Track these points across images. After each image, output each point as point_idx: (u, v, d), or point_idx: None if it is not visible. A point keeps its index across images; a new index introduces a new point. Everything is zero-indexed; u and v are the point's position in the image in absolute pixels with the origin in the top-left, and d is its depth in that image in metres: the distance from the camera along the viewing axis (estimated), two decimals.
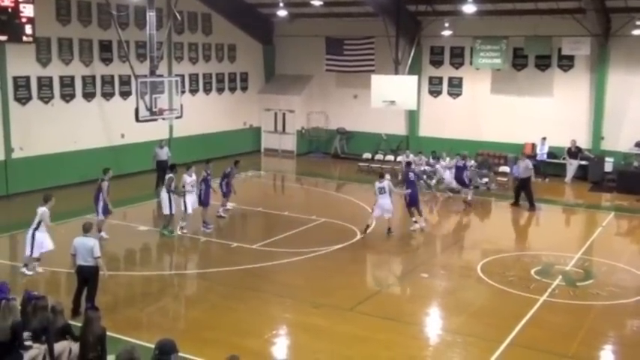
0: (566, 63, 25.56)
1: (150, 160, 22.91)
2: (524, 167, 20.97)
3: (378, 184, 17.48)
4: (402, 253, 16.71)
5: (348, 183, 21.66)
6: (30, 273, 13.96)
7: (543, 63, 25.90)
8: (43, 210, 13.97)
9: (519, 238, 18.86)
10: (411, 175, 18.52)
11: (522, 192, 20.95)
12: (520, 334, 11.43)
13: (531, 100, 26.11)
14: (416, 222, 18.12)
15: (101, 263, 11.75)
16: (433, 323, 12.42)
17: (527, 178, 20.95)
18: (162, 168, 21.50)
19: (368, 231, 17.43)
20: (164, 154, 22.79)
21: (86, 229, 11.89)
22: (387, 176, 18.00)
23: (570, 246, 16.97)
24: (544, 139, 25.34)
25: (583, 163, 24.81)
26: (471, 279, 14.51)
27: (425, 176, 24.40)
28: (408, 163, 20.23)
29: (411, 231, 17.97)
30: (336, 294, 13.30)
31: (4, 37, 19.58)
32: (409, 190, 18.11)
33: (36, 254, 13.92)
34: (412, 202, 18.18)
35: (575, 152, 24.80)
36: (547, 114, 25.67)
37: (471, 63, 26.93)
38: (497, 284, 13.89)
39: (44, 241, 13.88)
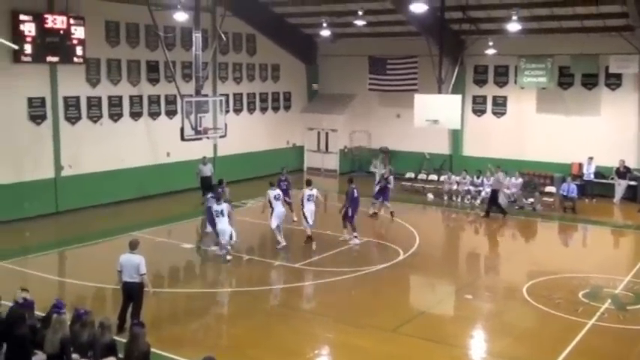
0: (614, 81, 25.11)
1: (194, 177, 23.24)
2: (495, 180, 22.25)
3: (308, 192, 17.82)
4: (447, 274, 16.51)
5: (391, 202, 21.71)
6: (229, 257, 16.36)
7: (590, 81, 25.48)
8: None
9: (566, 259, 18.43)
10: (355, 192, 18.64)
11: (493, 204, 21.97)
12: None
13: (578, 120, 25.68)
14: (355, 237, 18.27)
15: (147, 280, 11.91)
16: (477, 346, 12.22)
17: (497, 190, 22.04)
18: (207, 184, 21.79)
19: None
20: (208, 170, 23.10)
21: (132, 246, 12.07)
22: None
23: (620, 268, 16.53)
24: (591, 158, 24.85)
25: (632, 183, 24.22)
26: (516, 301, 14.24)
27: (469, 196, 24.24)
28: (351, 180, 19.90)
29: (353, 245, 18.05)
30: (378, 314, 13.22)
31: (55, 59, 20.29)
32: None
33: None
34: (351, 218, 18.33)
35: (623, 172, 24.24)
36: (594, 133, 25.21)
37: (515, 82, 26.67)
38: (544, 307, 13.60)
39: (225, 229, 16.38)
